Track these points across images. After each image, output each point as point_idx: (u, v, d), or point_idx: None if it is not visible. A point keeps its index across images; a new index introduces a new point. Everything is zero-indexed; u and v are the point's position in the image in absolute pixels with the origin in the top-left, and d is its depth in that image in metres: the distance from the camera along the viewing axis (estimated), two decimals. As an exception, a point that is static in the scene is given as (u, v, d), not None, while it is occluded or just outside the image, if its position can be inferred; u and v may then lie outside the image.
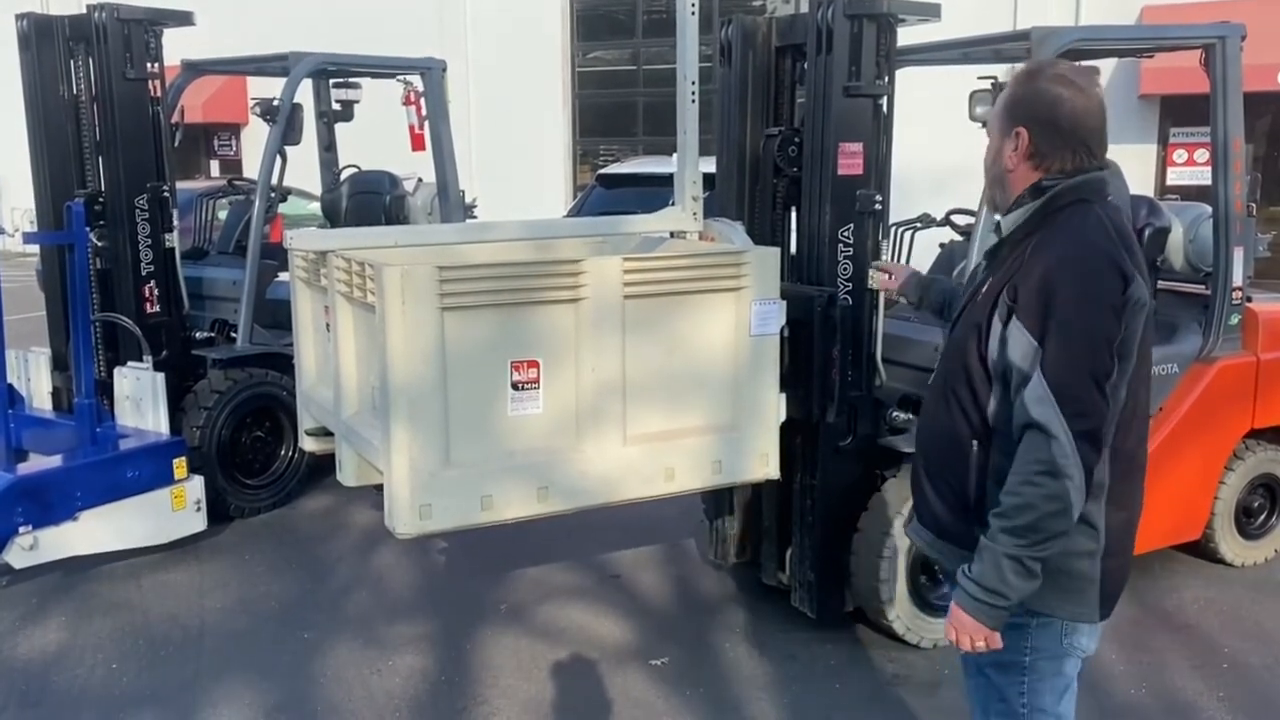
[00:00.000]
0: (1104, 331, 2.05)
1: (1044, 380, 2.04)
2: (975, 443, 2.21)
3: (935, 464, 2.35)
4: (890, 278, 3.28)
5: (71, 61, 5.72)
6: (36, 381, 5.95)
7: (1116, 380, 2.08)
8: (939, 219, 5.10)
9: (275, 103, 6.00)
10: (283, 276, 5.80)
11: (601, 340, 3.37)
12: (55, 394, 5.97)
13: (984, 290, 2.25)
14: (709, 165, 4.22)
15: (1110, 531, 2.18)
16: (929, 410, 2.40)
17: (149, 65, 5.63)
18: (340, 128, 7.56)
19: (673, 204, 4.13)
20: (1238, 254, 4.62)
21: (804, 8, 4.11)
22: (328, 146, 7.60)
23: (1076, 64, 2.22)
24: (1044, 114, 2.19)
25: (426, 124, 6.80)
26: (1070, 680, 2.30)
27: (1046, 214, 2.18)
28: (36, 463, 5.10)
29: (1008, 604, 2.11)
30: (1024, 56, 4.20)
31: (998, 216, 2.33)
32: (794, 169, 4.18)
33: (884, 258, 4.21)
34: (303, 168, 7.04)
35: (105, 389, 5.48)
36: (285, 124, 6.00)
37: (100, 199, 5.70)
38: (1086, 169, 2.20)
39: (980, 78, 4.32)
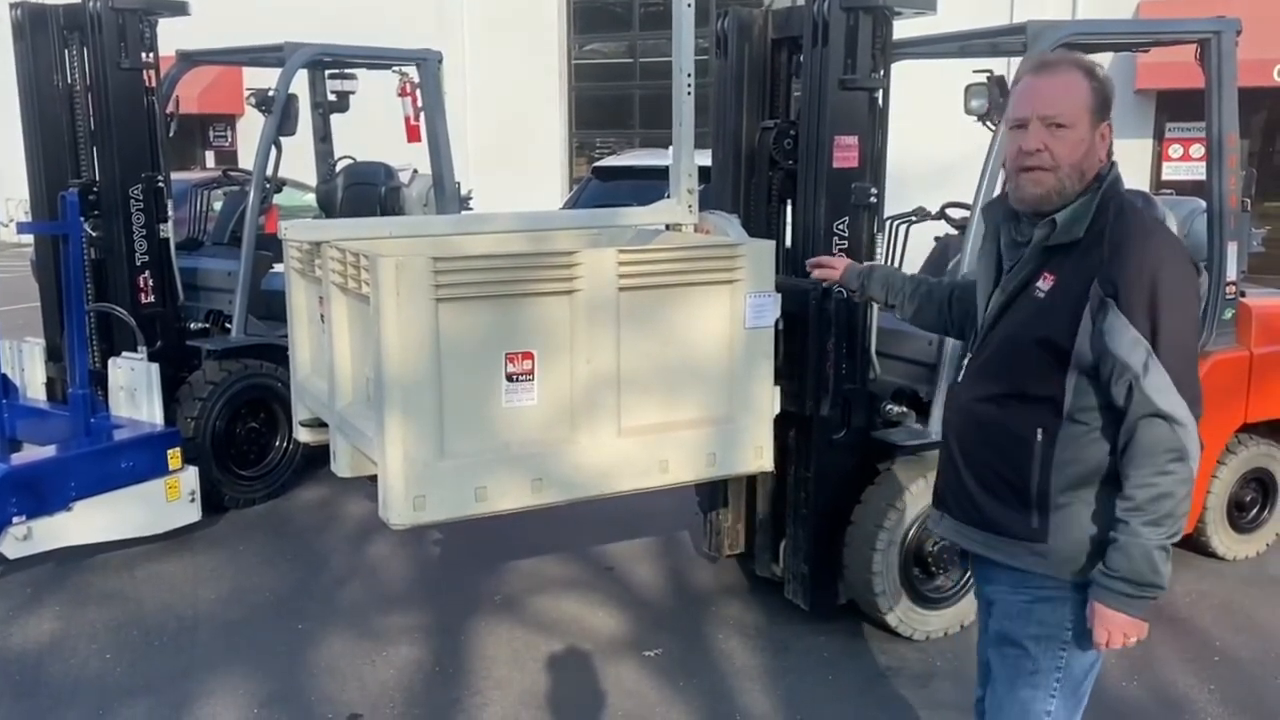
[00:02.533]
0: (1197, 321, 2.28)
1: (1165, 370, 2.11)
2: (1040, 432, 2.23)
3: (983, 458, 2.34)
4: (835, 270, 3.26)
5: (66, 51, 5.70)
6: (31, 372, 5.95)
7: None
8: (934, 213, 5.11)
9: (271, 93, 6.00)
10: (277, 267, 5.80)
11: (596, 332, 3.37)
12: (49, 384, 5.96)
13: (1045, 284, 2.25)
14: (705, 158, 4.22)
15: None
16: (973, 406, 2.38)
17: (143, 55, 5.62)
18: (336, 119, 7.55)
19: (668, 196, 4.13)
20: (1232, 249, 4.63)
21: (800, 0, 4.10)
22: (323, 138, 7.58)
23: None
24: (1110, 108, 2.29)
25: (422, 115, 6.78)
26: (1100, 655, 2.35)
27: (1101, 207, 2.23)
28: (31, 453, 5.10)
29: (1161, 592, 2.18)
30: (1020, 50, 4.20)
31: (1023, 208, 2.31)
32: (789, 162, 4.18)
33: (879, 251, 4.21)
34: (298, 159, 7.02)
35: (99, 379, 5.47)
36: (280, 115, 5.98)
37: (95, 189, 5.68)
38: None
39: (976, 71, 4.32)
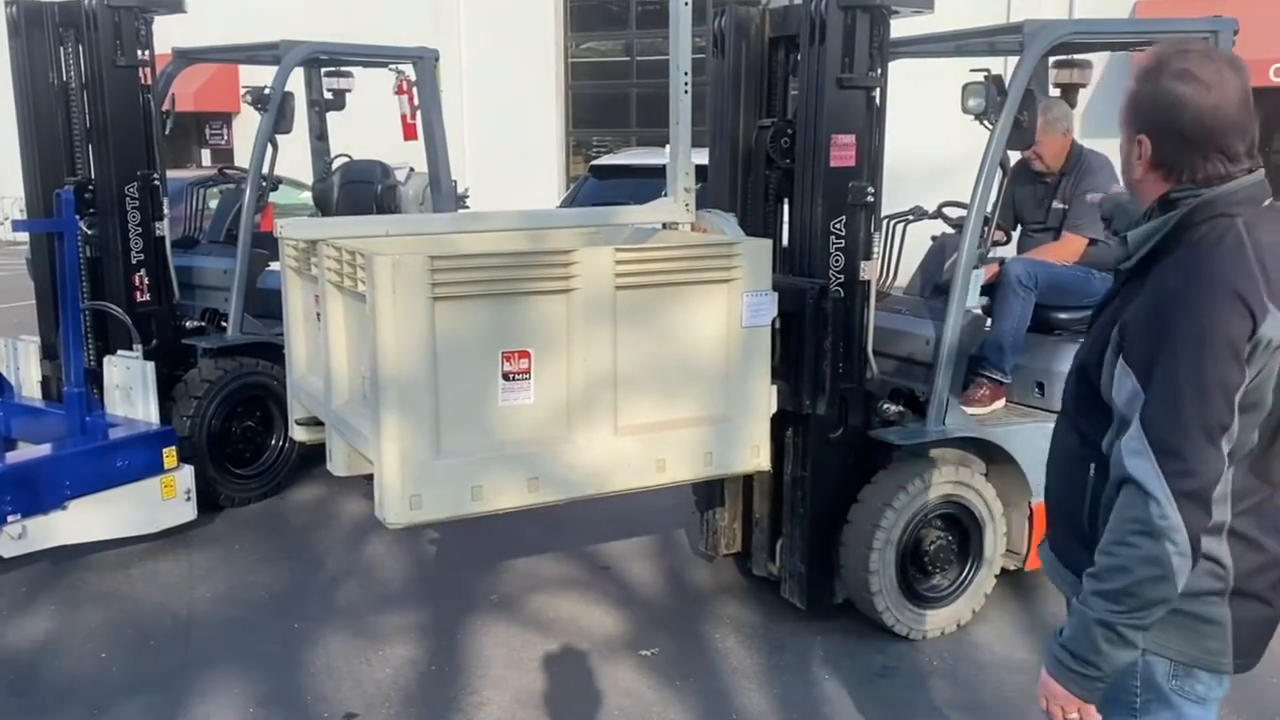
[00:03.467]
0: (1219, 378, 1.77)
1: (1143, 432, 1.80)
2: (1093, 466, 2.00)
3: (1055, 484, 2.17)
4: None
5: (61, 48, 5.68)
6: (26, 370, 5.93)
7: (1244, 428, 1.82)
8: (931, 211, 5.10)
9: (267, 91, 5.98)
10: (274, 265, 5.78)
11: (593, 331, 3.37)
12: (45, 383, 5.95)
13: (1106, 312, 2.03)
14: (702, 157, 4.22)
15: (1240, 572, 1.91)
16: (1058, 428, 2.19)
17: (139, 52, 5.59)
18: (332, 117, 7.54)
19: (665, 195, 4.13)
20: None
21: (797, -1, 4.11)
22: (319, 135, 7.57)
23: (1206, 48, 1.92)
24: (1164, 120, 1.90)
25: (419, 113, 6.78)
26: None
27: (1180, 231, 1.89)
28: (25, 451, 5.08)
29: (1100, 675, 1.88)
30: (1017, 50, 4.20)
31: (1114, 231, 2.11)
32: (786, 161, 4.18)
33: (875, 250, 4.21)
34: (294, 157, 7.02)
35: (95, 378, 5.45)
36: (277, 113, 5.98)
37: (90, 187, 5.67)
38: (1227, 175, 1.89)
39: (973, 70, 4.31)
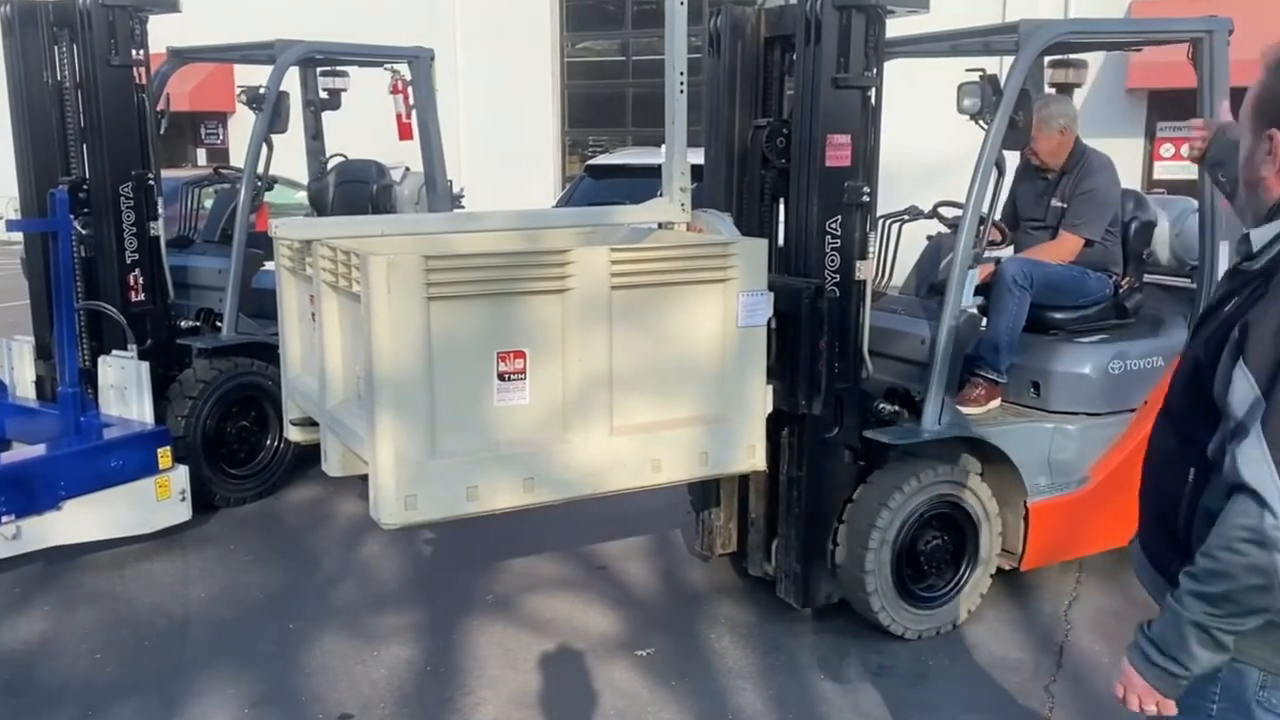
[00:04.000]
0: None
1: (1264, 439, 1.74)
2: (1193, 470, 1.94)
3: (1151, 483, 2.12)
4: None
5: (55, 47, 5.67)
6: (20, 370, 5.92)
7: None
8: (926, 211, 5.10)
9: (262, 91, 5.97)
10: (268, 265, 5.77)
11: (588, 331, 3.37)
12: (39, 383, 5.93)
13: (1223, 312, 1.94)
14: (697, 156, 4.22)
15: None
16: (1157, 423, 2.13)
17: (134, 52, 5.58)
18: (328, 116, 7.53)
19: (661, 195, 4.13)
20: (1223, 248, 4.63)
21: (793, -1, 4.10)
22: (315, 135, 7.55)
23: None
24: None
25: (414, 113, 6.77)
26: None
27: None
28: (20, 451, 5.08)
29: (1187, 674, 1.86)
30: (1012, 50, 4.20)
31: (1247, 230, 1.98)
32: (782, 160, 4.18)
33: (871, 250, 4.21)
34: (289, 156, 7.01)
35: (89, 378, 5.45)
36: (272, 112, 5.96)
37: (85, 186, 5.65)
38: None
39: (969, 70, 4.32)
